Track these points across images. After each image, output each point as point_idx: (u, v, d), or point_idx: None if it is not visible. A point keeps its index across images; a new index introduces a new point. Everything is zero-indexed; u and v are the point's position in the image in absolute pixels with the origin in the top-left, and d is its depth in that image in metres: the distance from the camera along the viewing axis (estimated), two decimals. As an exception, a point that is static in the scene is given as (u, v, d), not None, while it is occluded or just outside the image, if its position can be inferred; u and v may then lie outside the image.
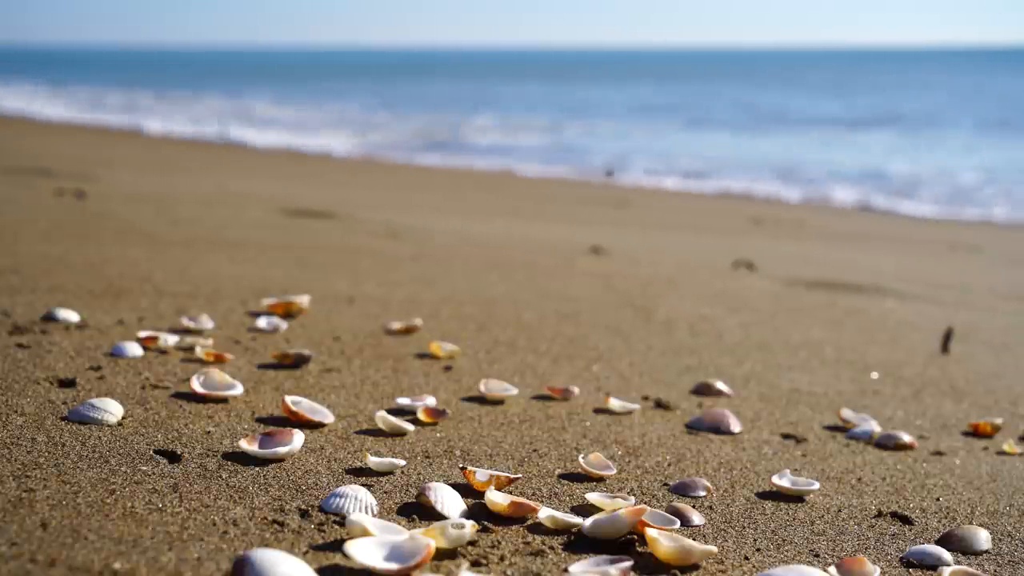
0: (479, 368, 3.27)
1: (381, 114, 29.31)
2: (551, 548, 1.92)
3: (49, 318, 3.30)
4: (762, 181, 14.68)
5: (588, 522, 1.99)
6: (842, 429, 2.97)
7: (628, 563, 1.81)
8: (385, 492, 2.14)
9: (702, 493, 2.32)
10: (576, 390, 3.03)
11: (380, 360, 3.24)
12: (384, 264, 5.15)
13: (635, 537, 1.98)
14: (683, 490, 2.32)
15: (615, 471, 2.38)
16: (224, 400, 2.65)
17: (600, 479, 2.35)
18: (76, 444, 2.22)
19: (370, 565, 1.70)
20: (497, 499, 2.04)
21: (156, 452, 2.23)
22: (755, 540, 2.09)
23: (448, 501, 2.05)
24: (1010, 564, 2.10)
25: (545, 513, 2.02)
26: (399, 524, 1.96)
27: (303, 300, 3.76)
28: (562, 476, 2.35)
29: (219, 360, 2.99)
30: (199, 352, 3.02)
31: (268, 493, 2.06)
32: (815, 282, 5.79)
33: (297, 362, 3.07)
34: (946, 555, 2.05)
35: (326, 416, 2.57)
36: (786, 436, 2.85)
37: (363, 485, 2.14)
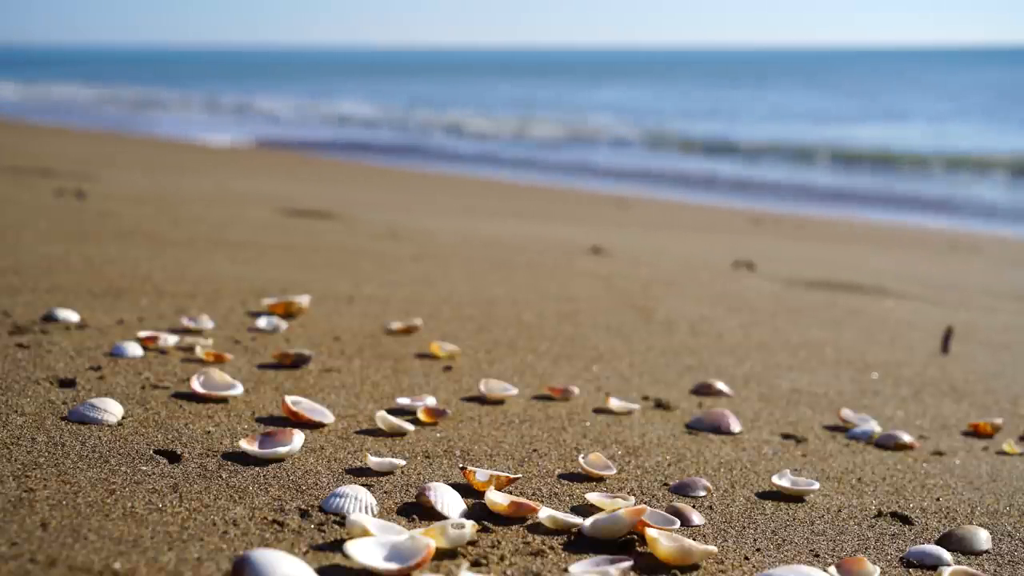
0: (479, 368, 3.27)
1: (383, 111, 29.48)
2: (551, 548, 1.92)
3: (49, 318, 3.30)
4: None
5: (588, 522, 1.99)
6: (842, 429, 2.97)
7: (628, 563, 1.81)
8: (385, 492, 2.14)
9: (702, 493, 2.32)
10: (576, 390, 3.03)
11: (380, 360, 3.24)
12: (384, 264, 5.15)
13: (635, 537, 1.98)
14: (683, 490, 2.32)
15: (615, 471, 2.38)
16: (224, 400, 2.65)
17: (600, 479, 2.35)
18: (76, 444, 2.22)
19: (370, 565, 1.70)
20: (497, 499, 2.04)
21: (156, 452, 2.23)
22: (755, 540, 2.09)
23: (448, 501, 2.05)
24: (1010, 564, 2.10)
25: (545, 513, 2.02)
26: (399, 524, 1.96)
27: (303, 300, 3.76)
28: (562, 476, 2.35)
29: (219, 360, 2.99)
30: (199, 352, 3.02)
31: (268, 493, 2.06)
32: (815, 282, 5.79)
33: (297, 362, 3.07)
34: (946, 555, 2.05)
35: (326, 416, 2.57)
36: (786, 436, 2.85)
37: (363, 485, 2.14)
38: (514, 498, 2.05)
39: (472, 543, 1.89)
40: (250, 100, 33.47)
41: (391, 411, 2.68)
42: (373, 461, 2.25)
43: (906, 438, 2.85)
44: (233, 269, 4.58)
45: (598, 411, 2.91)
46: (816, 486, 2.36)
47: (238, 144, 18.65)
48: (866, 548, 2.10)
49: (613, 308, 4.46)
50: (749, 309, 4.72)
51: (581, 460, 2.38)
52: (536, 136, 23.42)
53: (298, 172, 12.30)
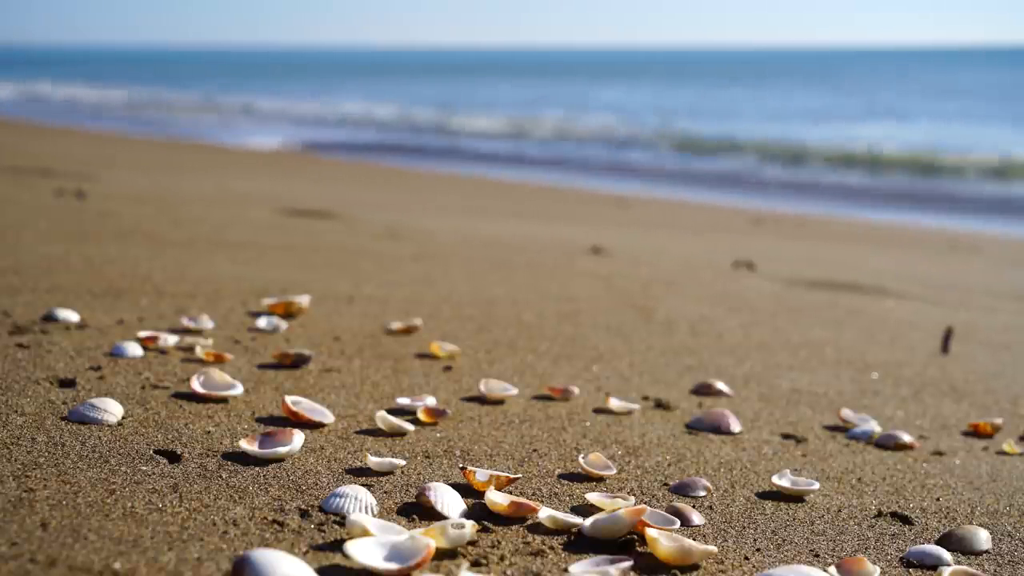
0: (479, 368, 3.27)
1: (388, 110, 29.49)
2: (551, 548, 1.92)
3: (49, 318, 3.30)
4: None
5: (588, 522, 1.99)
6: (842, 429, 2.97)
7: (628, 563, 1.81)
8: (385, 492, 2.14)
9: (702, 493, 2.32)
10: (576, 390, 3.03)
11: (380, 360, 3.24)
12: (384, 264, 5.15)
13: (635, 537, 1.98)
14: (683, 490, 2.32)
15: (615, 471, 2.38)
16: (224, 400, 2.65)
17: (600, 479, 2.35)
18: (76, 444, 2.22)
19: (370, 565, 1.70)
20: (497, 499, 2.04)
21: (156, 452, 2.23)
22: (755, 540, 2.09)
23: (448, 501, 2.05)
24: (1010, 564, 2.10)
25: (545, 513, 2.02)
26: (399, 524, 1.96)
27: (303, 300, 3.76)
28: (562, 476, 2.35)
29: (219, 360, 2.99)
30: (199, 352, 3.02)
31: (268, 493, 2.06)
32: (815, 282, 5.79)
33: (297, 362, 3.07)
34: (946, 555, 2.05)
35: (326, 416, 2.57)
36: (786, 436, 2.85)
37: (363, 485, 2.14)
38: (514, 498, 2.05)
39: (472, 543, 1.89)
40: (278, 103, 32.86)
41: (391, 411, 2.68)
42: (373, 461, 2.25)
43: (906, 438, 2.85)
44: (233, 269, 4.58)
45: (598, 411, 2.91)
46: (816, 486, 2.36)
47: (284, 148, 18.37)
48: (866, 548, 2.10)
49: (613, 308, 4.46)
50: (749, 309, 4.72)
51: (581, 460, 2.38)
52: (539, 135, 23.40)
53: (298, 172, 12.30)
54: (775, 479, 2.38)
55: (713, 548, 1.93)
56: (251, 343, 3.29)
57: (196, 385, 2.64)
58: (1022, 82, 49.85)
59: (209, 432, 2.40)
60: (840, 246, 8.38)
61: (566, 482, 2.31)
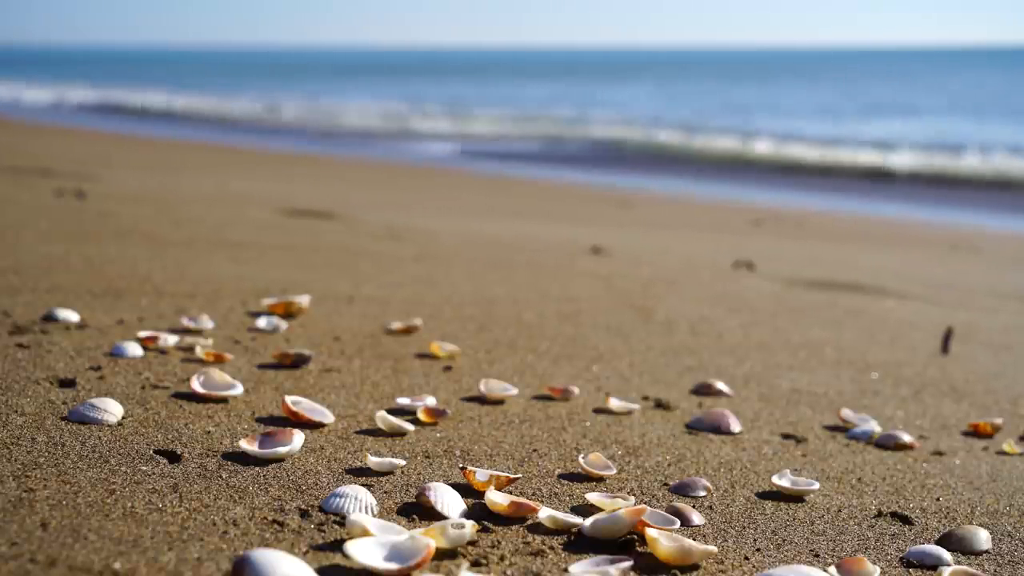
0: (479, 368, 3.27)
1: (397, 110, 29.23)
2: (551, 548, 1.92)
3: (49, 318, 3.30)
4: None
5: (588, 522, 1.99)
6: (842, 429, 2.97)
7: (628, 563, 1.81)
8: (385, 492, 2.14)
9: (702, 493, 2.32)
10: (576, 390, 3.03)
11: (380, 360, 3.24)
12: (384, 264, 5.15)
13: (635, 537, 1.98)
14: (683, 490, 2.32)
15: (615, 471, 2.38)
16: (224, 400, 2.65)
17: (600, 479, 2.35)
18: (76, 444, 2.22)
19: (370, 565, 1.70)
20: (497, 499, 2.04)
21: (156, 452, 2.23)
22: (755, 540, 2.09)
23: (448, 501, 2.05)
24: (1010, 564, 2.10)
25: (545, 513, 2.02)
26: (399, 524, 1.96)
27: (303, 300, 3.76)
28: (562, 476, 2.35)
29: (219, 360, 2.99)
30: (199, 352, 3.02)
31: (268, 493, 2.06)
32: (815, 282, 5.79)
33: (297, 362, 3.07)
34: (946, 555, 2.05)
35: (326, 416, 2.57)
36: (786, 436, 2.85)
37: (363, 485, 2.14)
38: (514, 498, 2.05)
39: (472, 543, 1.90)
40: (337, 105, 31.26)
41: (391, 411, 2.68)
42: (373, 461, 2.25)
43: (906, 438, 2.85)
44: (233, 269, 4.58)
45: (598, 411, 2.91)
46: (816, 486, 2.36)
47: (452, 160, 17.45)
48: (866, 548, 2.10)
49: (613, 308, 4.46)
50: (749, 309, 4.72)
51: (581, 460, 2.38)
52: (543, 135, 23.37)
53: (298, 172, 12.30)
54: (775, 479, 2.38)
55: (713, 548, 1.93)
56: (251, 343, 3.29)
57: (196, 385, 2.64)
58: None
59: (209, 432, 2.40)
60: (840, 246, 8.37)
61: (566, 482, 2.31)
